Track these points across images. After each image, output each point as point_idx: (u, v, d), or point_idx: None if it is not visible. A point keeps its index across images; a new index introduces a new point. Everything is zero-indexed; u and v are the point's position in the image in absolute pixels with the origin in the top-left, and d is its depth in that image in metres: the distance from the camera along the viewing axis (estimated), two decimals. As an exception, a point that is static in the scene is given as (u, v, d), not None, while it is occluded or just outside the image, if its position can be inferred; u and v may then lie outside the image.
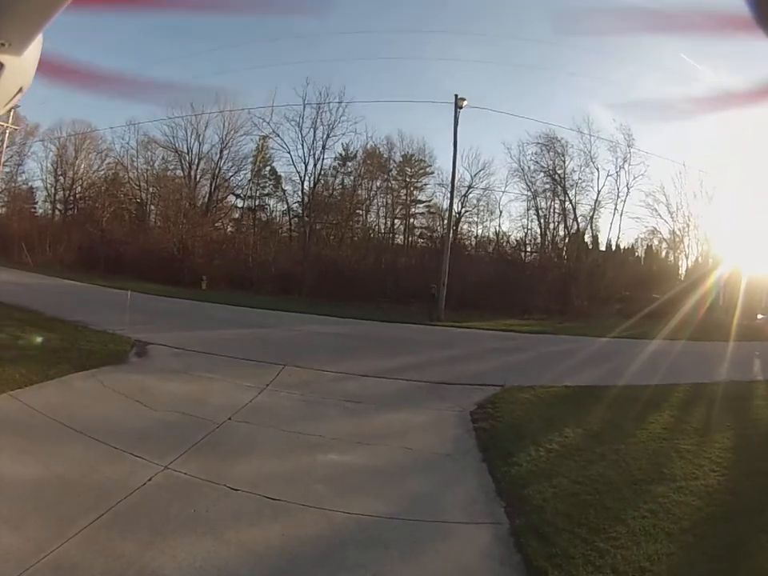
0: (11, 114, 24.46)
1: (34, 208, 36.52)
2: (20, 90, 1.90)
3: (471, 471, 5.35)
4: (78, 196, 35.78)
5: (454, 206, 31.40)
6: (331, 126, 32.06)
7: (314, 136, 32.18)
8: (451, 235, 27.48)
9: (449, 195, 32.78)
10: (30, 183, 35.98)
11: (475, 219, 34.71)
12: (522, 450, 5.70)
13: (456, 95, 23.77)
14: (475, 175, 32.90)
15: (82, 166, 35.74)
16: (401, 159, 35.15)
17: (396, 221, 36.01)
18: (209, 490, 4.47)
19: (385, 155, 34.88)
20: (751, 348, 16.35)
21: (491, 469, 5.30)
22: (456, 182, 26.59)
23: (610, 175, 31.54)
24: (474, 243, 35.05)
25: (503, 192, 34.35)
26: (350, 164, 34.48)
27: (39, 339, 8.82)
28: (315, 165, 32.59)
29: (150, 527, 3.75)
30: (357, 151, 34.14)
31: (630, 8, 2.23)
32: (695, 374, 10.84)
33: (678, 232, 32.06)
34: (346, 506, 4.41)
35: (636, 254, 34.96)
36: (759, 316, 25.76)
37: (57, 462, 4.60)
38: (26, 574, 3.01)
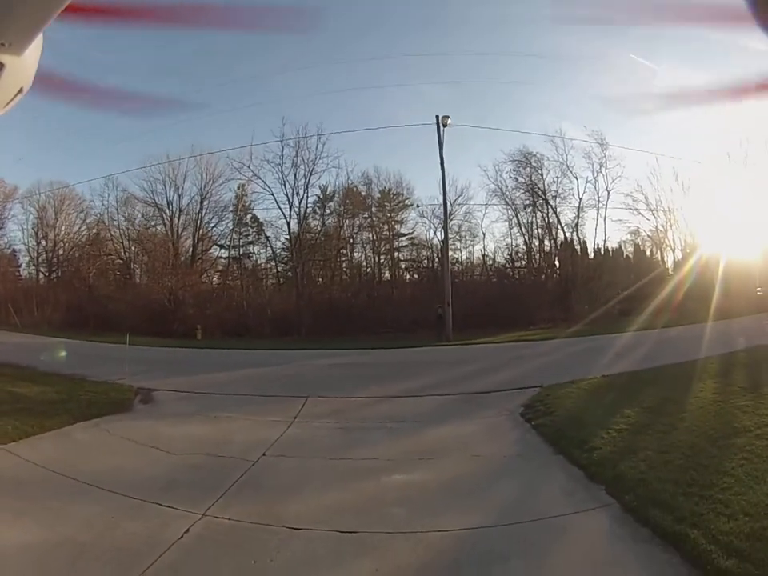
0: None
1: (18, 271, 35.40)
2: (20, 91, 1.85)
3: (552, 465, 4.95)
4: (61, 258, 34.82)
5: (438, 235, 31.41)
6: (312, 163, 31.74)
7: (296, 175, 31.81)
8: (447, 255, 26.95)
9: (431, 226, 32.86)
10: (12, 246, 35.01)
11: (458, 246, 34.36)
12: (593, 435, 5.34)
13: (437, 116, 23.49)
14: (454, 202, 32.44)
15: (63, 228, 34.92)
16: (379, 195, 35.03)
17: (381, 256, 35.65)
18: (265, 534, 3.52)
19: (363, 192, 34.70)
20: (759, 320, 16.55)
21: (571, 459, 4.93)
22: (440, 204, 26.34)
23: (589, 182, 31.44)
24: (460, 268, 34.63)
25: (484, 214, 34.07)
26: (329, 205, 34.29)
27: (34, 391, 7.76)
28: (300, 204, 32.22)
29: (200, 591, 2.79)
30: (335, 192, 33.94)
31: None
32: (719, 347, 10.84)
33: (660, 228, 32.27)
34: (437, 525, 3.61)
35: (624, 254, 35.02)
36: (758, 290, 25.87)
37: (64, 522, 3.61)
38: None
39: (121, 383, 9.25)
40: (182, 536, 3.43)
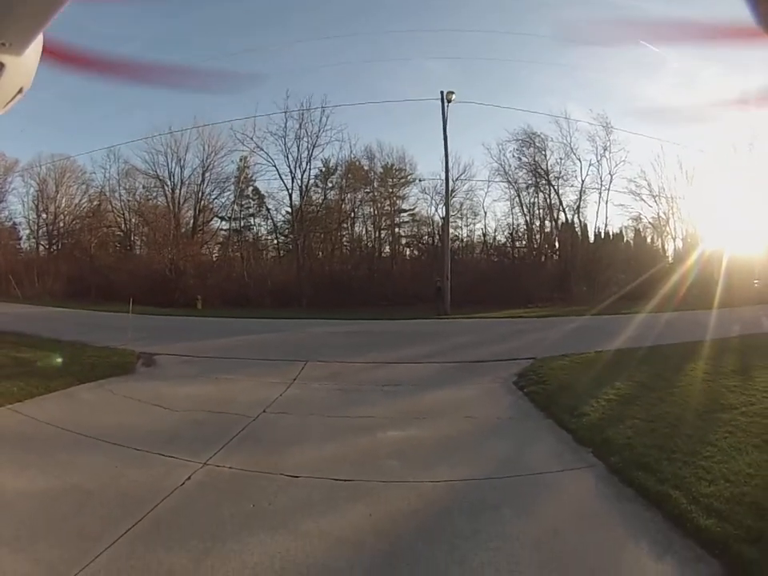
0: None
1: (19, 244, 35.31)
2: (20, 91, 1.84)
3: (542, 428, 5.12)
4: (61, 230, 34.65)
5: (439, 212, 31.07)
6: (316, 136, 31.12)
7: (299, 147, 31.22)
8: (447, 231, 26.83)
9: (433, 203, 32.47)
10: (12, 219, 34.84)
11: (459, 223, 33.92)
12: (583, 403, 5.47)
13: (442, 91, 23.04)
14: (457, 179, 31.87)
15: (64, 200, 34.69)
16: (382, 170, 34.41)
17: (382, 231, 35.35)
18: (264, 481, 3.66)
19: (366, 167, 34.10)
20: (755, 310, 16.69)
21: (561, 423, 5.09)
22: (443, 180, 26.06)
23: (592, 165, 30.88)
24: (461, 246, 34.41)
25: (486, 193, 33.61)
26: (331, 178, 33.79)
27: (37, 356, 7.89)
28: (302, 176, 31.82)
29: (201, 532, 2.93)
30: (338, 165, 33.35)
31: (631, 17, 2.27)
32: (714, 333, 11.00)
33: (662, 215, 31.89)
34: (431, 476, 3.76)
35: (625, 239, 34.73)
36: (755, 281, 25.95)
37: (70, 471, 3.74)
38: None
39: (123, 348, 9.36)
40: (183, 483, 3.57)
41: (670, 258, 30.79)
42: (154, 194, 33.82)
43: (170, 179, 32.80)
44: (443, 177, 25.71)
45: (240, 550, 2.75)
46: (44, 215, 34.59)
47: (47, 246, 35.11)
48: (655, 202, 31.30)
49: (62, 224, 34.90)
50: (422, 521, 3.13)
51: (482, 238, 34.12)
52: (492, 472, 3.91)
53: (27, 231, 35.30)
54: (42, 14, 1.48)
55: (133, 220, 34.47)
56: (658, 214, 31.85)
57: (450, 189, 30.09)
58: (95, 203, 34.62)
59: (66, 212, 34.89)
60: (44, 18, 1.50)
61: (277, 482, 3.65)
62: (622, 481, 3.61)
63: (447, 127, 23.19)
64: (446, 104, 22.85)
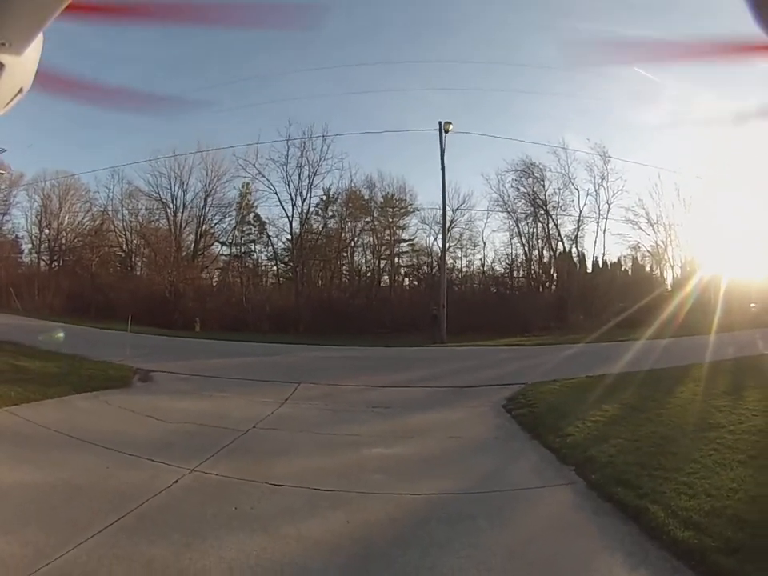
0: None
1: (20, 258, 35.56)
2: (20, 91, 1.87)
3: (526, 448, 5.22)
4: (63, 247, 35.01)
5: (438, 243, 31.24)
6: (317, 164, 31.94)
7: (300, 175, 32.01)
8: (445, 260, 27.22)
9: (432, 233, 32.77)
10: (15, 233, 35.14)
11: (459, 254, 34.27)
12: (568, 425, 5.54)
13: (440, 122, 23.78)
14: (456, 209, 32.53)
15: (66, 217, 35.09)
16: (382, 200, 35.04)
17: (381, 261, 35.80)
18: (249, 488, 3.79)
19: (366, 196, 34.65)
20: (752, 333, 16.67)
21: (545, 443, 5.15)
22: (441, 211, 26.54)
23: (590, 194, 31.51)
24: (461, 276, 34.79)
25: (485, 223, 34.05)
26: (332, 208, 34.41)
27: (35, 365, 8.04)
28: (303, 204, 32.50)
29: (183, 528, 3.06)
30: (339, 194, 33.89)
31: (636, 38, 2.33)
32: (707, 356, 10.98)
33: (660, 243, 32.27)
34: (411, 489, 3.87)
35: (623, 267, 35.13)
36: (752, 305, 26.13)
37: (62, 469, 3.88)
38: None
39: (120, 363, 9.51)
40: (170, 485, 3.71)
41: (668, 286, 30.89)
42: (156, 216, 34.30)
43: (172, 202, 33.35)
44: (441, 203, 26.27)
45: (218, 546, 2.87)
46: (46, 231, 34.93)
47: (48, 262, 35.37)
48: (653, 230, 31.69)
49: (64, 240, 35.22)
50: (398, 529, 3.24)
51: (481, 268, 34.47)
52: (472, 487, 4.02)
53: (29, 246, 35.63)
54: (41, 14, 1.50)
55: (134, 241, 34.78)
56: (656, 242, 32.18)
57: (450, 219, 30.77)
58: (98, 222, 35.02)
59: (68, 229, 35.26)
60: (44, 18, 1.52)
61: (261, 489, 3.77)
62: (600, 496, 3.68)
63: (445, 157, 23.72)
64: (443, 134, 23.39)
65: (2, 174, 26.47)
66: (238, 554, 2.80)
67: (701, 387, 7.42)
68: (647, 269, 34.06)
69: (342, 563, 2.77)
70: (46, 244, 35.10)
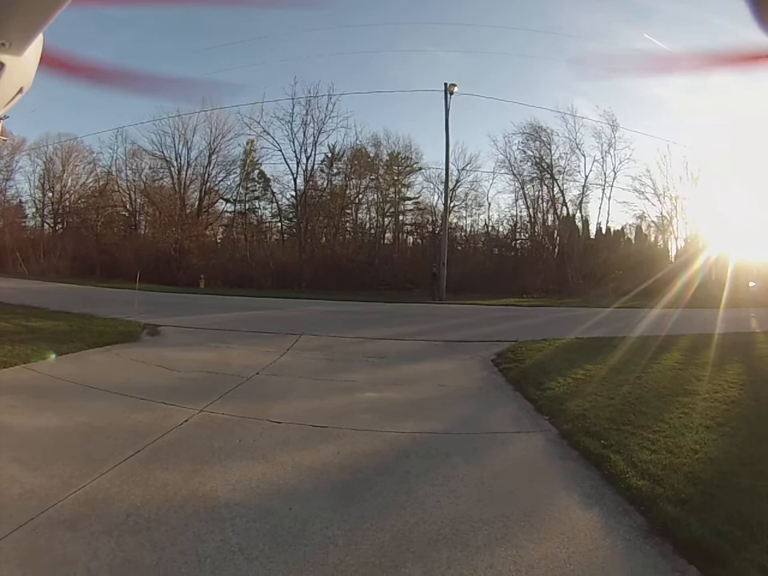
0: (0, 126, 23.85)
1: (25, 222, 35.91)
2: (20, 91, 1.87)
3: (507, 398, 5.55)
4: (67, 209, 35.17)
5: (441, 201, 31.08)
6: (322, 122, 31.38)
7: (305, 133, 31.53)
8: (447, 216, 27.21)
9: (437, 191, 32.49)
10: (18, 197, 35.38)
11: (464, 213, 34.13)
12: (550, 380, 5.85)
13: (446, 83, 23.61)
14: (462, 169, 32.09)
15: (70, 179, 35.17)
16: (387, 158, 34.47)
17: (386, 219, 35.60)
18: (251, 424, 4.21)
19: (372, 154, 34.18)
20: (747, 312, 16.91)
21: (526, 395, 5.47)
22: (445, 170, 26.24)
23: (597, 161, 31.06)
24: (464, 236, 34.68)
25: (491, 184, 34.01)
26: (337, 165, 33.96)
27: (47, 324, 8.45)
28: (307, 161, 32.14)
29: (193, 458, 3.46)
30: (344, 151, 33.59)
31: (643, 50, 2.24)
32: (698, 329, 11.20)
33: (666, 215, 31.97)
34: (397, 428, 4.27)
35: (626, 236, 34.86)
36: (751, 284, 26.15)
37: (80, 414, 4.28)
38: (53, 510, 2.68)
39: (129, 320, 9.92)
40: (181, 423, 4.13)
41: (672, 258, 30.97)
42: (161, 175, 34.28)
43: (176, 160, 33.21)
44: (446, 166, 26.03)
45: (224, 471, 3.28)
46: (50, 194, 35.15)
47: (53, 225, 35.70)
48: (659, 201, 31.47)
49: (67, 203, 35.42)
50: (381, 460, 3.63)
51: (485, 228, 34.45)
52: (451, 428, 4.40)
53: (33, 210, 35.94)
54: (42, 13, 1.50)
55: (138, 200, 34.93)
56: (662, 213, 32.00)
57: (455, 179, 30.55)
58: (101, 183, 35.02)
59: (71, 191, 35.44)
60: (44, 18, 1.52)
61: (262, 425, 4.20)
62: (569, 444, 3.94)
63: (452, 119, 23.89)
64: (448, 96, 23.42)
65: (5, 140, 26.18)
66: (241, 477, 3.21)
67: (685, 357, 7.65)
68: (651, 239, 33.92)
69: (329, 486, 3.17)
70: (50, 207, 35.35)
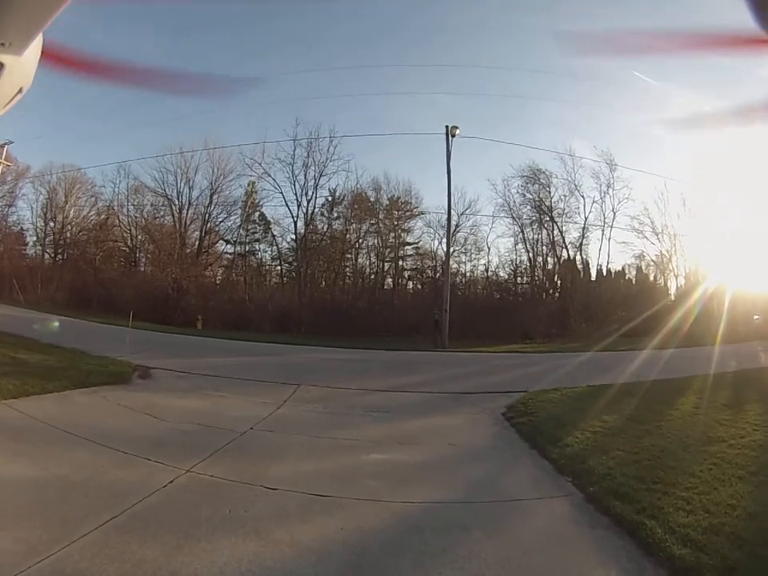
0: (4, 150, 24.27)
1: (24, 250, 35.66)
2: (20, 91, 1.85)
3: (523, 457, 5.18)
4: (68, 240, 35.15)
5: (442, 246, 31.27)
6: (323, 165, 32.04)
7: (306, 176, 32.13)
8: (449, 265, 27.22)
9: (437, 236, 32.76)
10: (20, 225, 35.28)
11: (463, 258, 34.26)
12: (567, 435, 5.51)
13: (447, 126, 23.88)
14: (462, 214, 32.54)
15: (72, 211, 35.28)
16: (387, 203, 34.96)
17: (386, 264, 35.76)
18: (243, 490, 3.78)
19: (372, 198, 34.71)
20: (753, 346, 16.62)
21: (543, 453, 5.11)
22: (446, 215, 26.54)
23: (596, 202, 31.56)
24: (464, 281, 34.73)
25: (490, 228, 34.07)
26: (337, 209, 34.39)
27: (35, 358, 8.05)
28: (308, 204, 32.57)
29: (176, 530, 3.04)
30: (344, 195, 34.06)
31: (635, 29, 2.32)
32: (707, 367, 10.89)
33: (665, 253, 32.24)
34: (406, 497, 3.85)
35: (627, 276, 35.04)
36: (755, 317, 25.96)
37: (58, 464, 3.88)
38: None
39: (120, 359, 9.50)
40: (165, 485, 3.70)
41: (672, 296, 30.80)
42: (162, 213, 34.42)
43: (178, 199, 33.44)
44: (447, 207, 26.27)
45: (211, 549, 2.85)
46: (51, 224, 35.11)
47: (53, 255, 35.52)
48: (658, 239, 31.70)
49: (68, 234, 35.36)
50: (391, 536, 3.22)
51: (485, 273, 34.43)
52: (467, 496, 4.00)
53: (34, 238, 35.74)
54: (42, 13, 1.49)
55: (139, 236, 34.89)
56: (661, 251, 32.19)
57: (455, 223, 30.75)
58: (103, 216, 35.20)
59: (73, 222, 35.43)
60: (44, 18, 1.51)
61: (255, 491, 3.76)
62: (597, 509, 3.64)
63: (451, 161, 23.78)
64: (450, 138, 23.49)
65: (9, 165, 26.60)
66: (230, 558, 2.79)
67: (702, 399, 7.38)
68: (651, 278, 34.04)
69: (333, 571, 2.75)
70: (51, 237, 35.28)
